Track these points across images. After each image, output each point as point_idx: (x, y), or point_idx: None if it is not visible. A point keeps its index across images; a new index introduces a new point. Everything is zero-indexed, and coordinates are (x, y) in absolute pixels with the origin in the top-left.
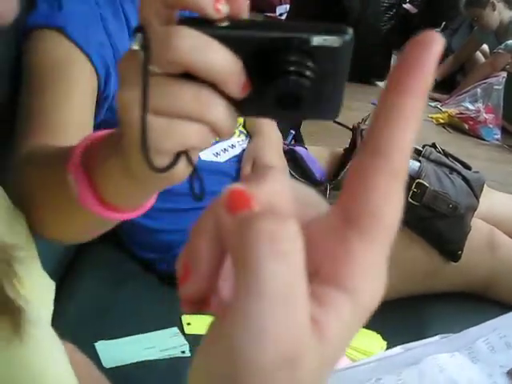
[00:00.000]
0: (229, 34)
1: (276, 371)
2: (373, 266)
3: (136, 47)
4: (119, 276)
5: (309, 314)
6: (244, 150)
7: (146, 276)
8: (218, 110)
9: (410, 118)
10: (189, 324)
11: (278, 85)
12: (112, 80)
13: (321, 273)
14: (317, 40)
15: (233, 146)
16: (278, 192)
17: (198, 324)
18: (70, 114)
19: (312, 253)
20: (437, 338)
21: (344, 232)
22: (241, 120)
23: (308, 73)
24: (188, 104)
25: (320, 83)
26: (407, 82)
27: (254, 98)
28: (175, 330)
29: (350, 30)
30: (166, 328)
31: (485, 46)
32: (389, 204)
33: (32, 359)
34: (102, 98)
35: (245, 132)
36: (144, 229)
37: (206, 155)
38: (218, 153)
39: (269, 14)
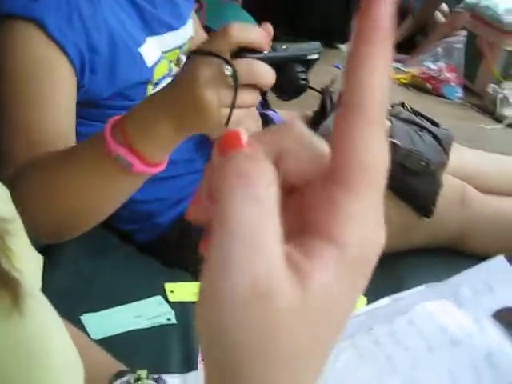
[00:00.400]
0: (271, 56)
1: (248, 305)
2: (359, 215)
3: (228, 72)
4: (99, 249)
5: (282, 255)
6: None
7: (126, 247)
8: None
9: (377, 63)
10: (172, 292)
11: (297, 86)
12: (86, 70)
13: (310, 225)
14: (309, 56)
15: None
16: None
17: (181, 291)
18: (59, 122)
19: (301, 205)
20: (423, 287)
21: (329, 185)
22: None
23: (305, 76)
24: (250, 102)
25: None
26: (368, 31)
27: (277, 90)
28: (159, 298)
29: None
30: (150, 297)
31: (444, 6)
32: (369, 152)
33: (34, 331)
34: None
35: None
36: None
37: None
38: None
39: None
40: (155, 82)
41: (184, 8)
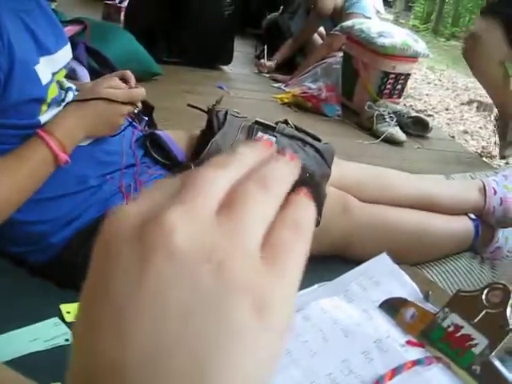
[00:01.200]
0: None
1: None
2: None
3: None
4: None
5: None
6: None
7: (17, 270)
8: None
9: None
10: (68, 312)
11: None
12: (10, 83)
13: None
14: None
15: None
16: None
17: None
18: None
19: None
20: (315, 286)
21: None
22: None
23: None
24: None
25: None
26: None
27: None
28: (56, 319)
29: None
30: (46, 319)
31: (321, 29)
32: None
33: None
34: None
35: None
36: (11, 222)
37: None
38: None
39: (108, 2)
40: (49, 101)
41: (62, 28)
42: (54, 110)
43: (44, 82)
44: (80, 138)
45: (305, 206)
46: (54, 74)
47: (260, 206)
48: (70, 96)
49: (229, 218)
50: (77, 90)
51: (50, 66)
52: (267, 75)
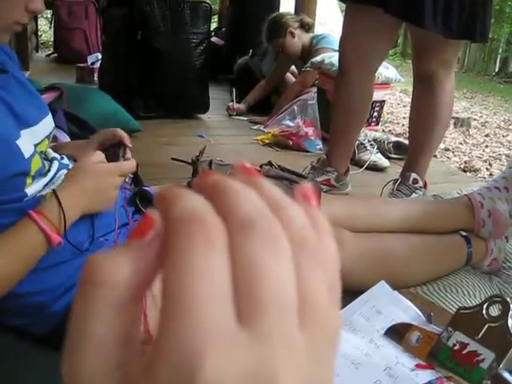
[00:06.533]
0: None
1: None
2: None
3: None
4: None
5: None
6: None
7: (20, 343)
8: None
9: None
10: None
11: None
12: None
13: None
14: None
15: None
16: None
17: None
18: None
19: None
20: None
21: None
22: None
23: None
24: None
25: None
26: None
27: None
28: None
29: None
30: None
31: (293, 67)
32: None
33: None
34: None
35: None
36: (10, 295)
37: None
38: None
39: (80, 65)
40: (33, 174)
41: (41, 98)
42: (41, 181)
43: (26, 155)
44: (76, 217)
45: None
46: (36, 146)
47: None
48: (55, 166)
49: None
50: (62, 159)
51: (32, 138)
52: (245, 118)
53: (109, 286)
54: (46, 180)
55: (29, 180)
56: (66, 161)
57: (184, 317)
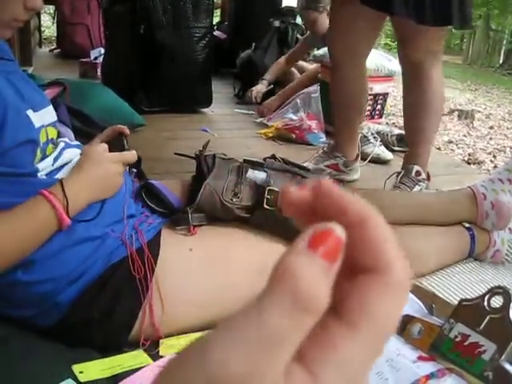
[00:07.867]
0: None
1: None
2: (351, 359)
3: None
4: None
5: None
6: None
7: (25, 334)
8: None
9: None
10: (81, 372)
11: None
12: (4, 128)
13: (303, 354)
14: None
15: None
16: None
17: (90, 370)
18: None
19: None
20: None
21: (330, 321)
22: None
23: None
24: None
25: None
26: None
27: None
28: (70, 381)
29: None
30: (60, 381)
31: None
32: (382, 306)
33: None
34: None
35: None
36: (13, 283)
37: None
38: None
39: (83, 60)
40: (41, 145)
41: (42, 92)
42: (50, 157)
43: (36, 125)
44: (82, 206)
45: None
46: (42, 127)
47: None
48: (62, 144)
49: None
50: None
51: (40, 119)
52: (248, 112)
53: (320, 314)
54: (54, 154)
55: (38, 152)
56: (74, 142)
57: None
